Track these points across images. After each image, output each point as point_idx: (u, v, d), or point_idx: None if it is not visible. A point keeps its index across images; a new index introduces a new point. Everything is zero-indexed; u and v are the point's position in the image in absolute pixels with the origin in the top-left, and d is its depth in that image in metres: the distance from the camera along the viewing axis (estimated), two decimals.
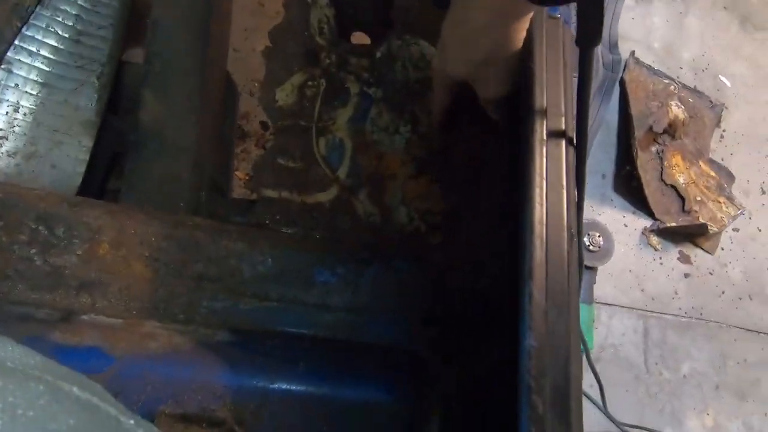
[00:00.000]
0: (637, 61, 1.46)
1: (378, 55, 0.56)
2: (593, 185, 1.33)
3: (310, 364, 0.36)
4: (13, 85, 0.48)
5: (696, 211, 1.35)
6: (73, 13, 0.52)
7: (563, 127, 0.37)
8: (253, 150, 1.12)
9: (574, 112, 0.39)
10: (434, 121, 0.51)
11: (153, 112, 0.51)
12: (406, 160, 0.52)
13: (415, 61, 0.56)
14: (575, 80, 0.38)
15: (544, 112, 0.36)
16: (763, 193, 1.43)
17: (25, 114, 0.48)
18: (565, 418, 0.25)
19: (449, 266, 0.45)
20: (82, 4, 0.53)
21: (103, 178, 0.55)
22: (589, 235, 1.12)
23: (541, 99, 0.36)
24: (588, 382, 1.15)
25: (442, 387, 0.40)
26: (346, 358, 0.38)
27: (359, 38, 0.60)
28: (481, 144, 0.47)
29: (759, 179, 1.45)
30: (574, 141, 0.36)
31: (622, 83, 1.43)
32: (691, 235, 1.30)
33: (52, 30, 0.51)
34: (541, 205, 0.30)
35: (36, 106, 0.49)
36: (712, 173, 1.40)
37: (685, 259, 1.30)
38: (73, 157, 0.49)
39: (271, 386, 0.35)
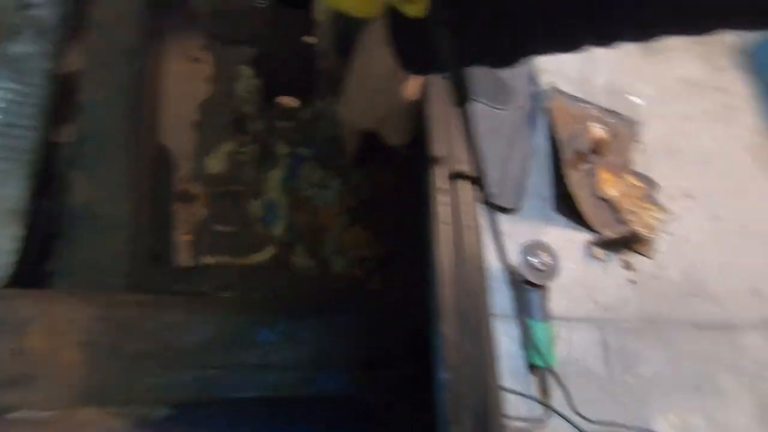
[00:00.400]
0: (557, 90, 1.60)
1: (304, 116, 0.60)
2: (535, 208, 1.40)
3: (256, 426, 0.37)
4: None
5: (630, 220, 1.45)
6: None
7: (465, 169, 0.41)
8: (190, 218, 1.13)
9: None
10: (348, 159, 0.54)
11: (83, 193, 0.52)
12: (340, 211, 0.55)
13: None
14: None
15: (442, 160, 0.40)
16: (687, 196, 1.56)
17: None
18: None
19: (389, 311, 0.47)
20: (8, 97, 0.54)
21: (37, 262, 0.54)
22: (535, 254, 1.18)
23: (440, 148, 0.40)
24: (557, 401, 1.17)
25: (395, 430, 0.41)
26: (292, 414, 0.39)
27: (285, 102, 0.64)
28: (397, 186, 0.51)
29: (680, 185, 1.58)
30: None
31: (546, 111, 1.56)
32: (629, 242, 1.40)
33: None
34: (447, 244, 0.34)
35: None
36: (639, 183, 1.52)
37: (628, 266, 1.38)
38: (3, 249, 0.48)
39: None
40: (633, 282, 1.36)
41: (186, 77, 1.26)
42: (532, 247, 1.16)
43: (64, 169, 0.54)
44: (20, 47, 0.57)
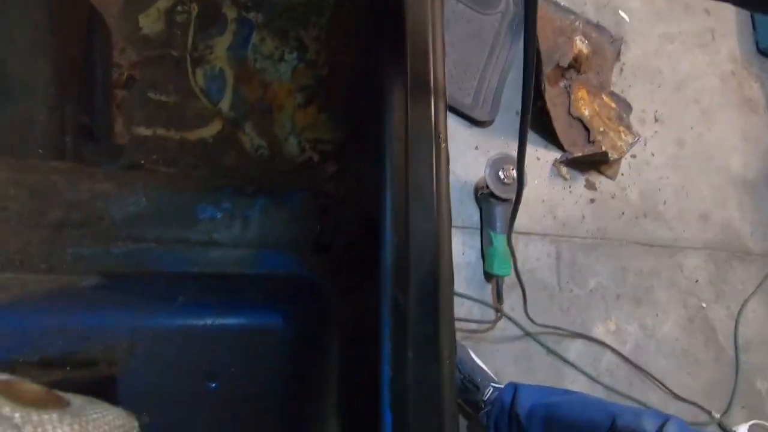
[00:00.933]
0: None
1: None
2: (508, 122, 1.37)
3: (191, 299, 0.35)
4: None
5: (599, 141, 1.45)
6: None
7: (429, 40, 0.36)
8: (133, 76, 1.02)
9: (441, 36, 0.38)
10: None
11: None
12: (293, 89, 0.49)
13: None
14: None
15: (404, 25, 0.35)
16: (656, 121, 1.56)
17: None
18: (432, 312, 0.26)
19: (341, 196, 0.44)
20: None
21: None
22: (503, 169, 1.17)
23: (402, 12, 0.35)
24: (509, 305, 1.24)
25: (339, 315, 0.41)
26: (233, 289, 0.37)
27: None
28: (356, 67, 0.45)
29: (652, 108, 1.58)
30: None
31: None
32: (595, 163, 1.41)
33: None
34: (402, 108, 0.30)
35: None
36: (613, 105, 1.50)
37: (590, 186, 1.41)
38: None
39: (143, 322, 0.33)
40: (592, 201, 1.40)
41: None
42: (500, 161, 1.15)
43: None
44: None
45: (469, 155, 1.28)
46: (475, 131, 1.29)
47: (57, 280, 0.33)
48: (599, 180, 1.40)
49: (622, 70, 1.54)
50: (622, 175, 1.43)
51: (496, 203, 1.17)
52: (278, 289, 0.39)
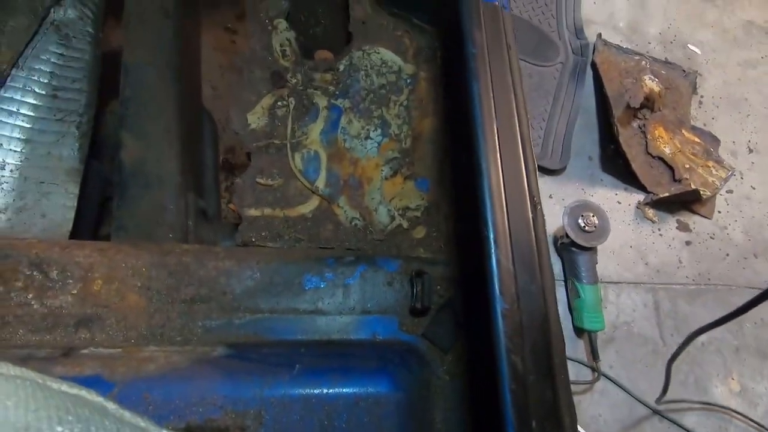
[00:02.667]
0: (605, 43, 1.49)
1: (341, 68, 0.58)
2: (581, 168, 1.34)
3: (307, 366, 0.37)
4: None
5: (687, 179, 1.36)
6: (47, 70, 0.55)
7: (512, 102, 0.38)
8: (239, 183, 1.14)
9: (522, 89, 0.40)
10: None
11: (133, 152, 0.53)
12: (380, 162, 0.53)
13: (378, 67, 0.58)
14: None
15: (490, 89, 0.38)
16: (751, 151, 1.43)
17: (11, 170, 0.50)
18: (548, 376, 0.26)
19: (432, 260, 0.46)
20: (55, 61, 0.56)
21: (94, 225, 0.57)
22: (583, 216, 1.13)
23: (486, 78, 0.38)
24: (607, 363, 1.14)
25: (443, 373, 0.41)
26: (343, 356, 0.39)
27: (322, 55, 0.63)
28: (438, 135, 0.49)
29: (744, 138, 1.46)
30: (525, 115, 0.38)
31: (594, 66, 1.46)
32: (685, 202, 1.31)
33: (29, 89, 0.54)
34: (497, 174, 0.32)
35: (21, 161, 0.51)
36: (697, 139, 1.41)
37: (683, 227, 1.30)
38: (62, 204, 0.51)
39: (269, 391, 0.35)
40: (688, 243, 1.28)
41: (221, 47, 1.27)
42: (579, 208, 1.11)
43: (114, 131, 0.56)
44: (64, 13, 0.58)
45: (544, 205, 1.26)
46: (547, 180, 1.27)
47: (192, 351, 0.37)
48: (693, 220, 1.29)
49: (701, 103, 1.46)
50: (719, 212, 1.31)
51: (578, 252, 1.12)
52: (381, 354, 0.41)
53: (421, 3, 0.57)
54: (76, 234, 0.52)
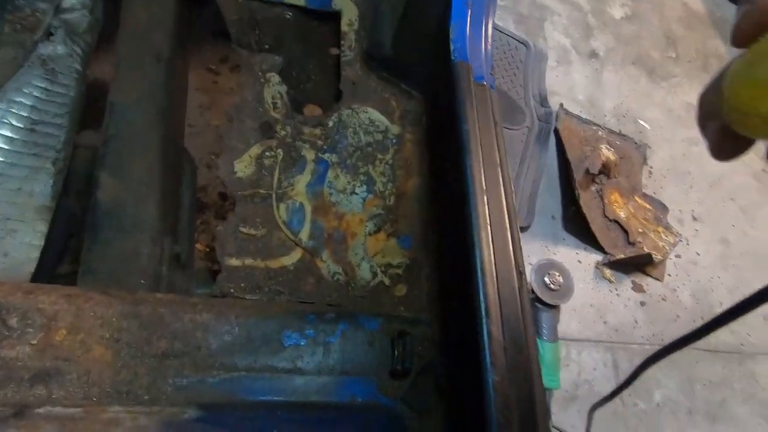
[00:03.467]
0: (567, 112, 1.62)
1: (330, 123, 0.60)
2: (545, 226, 1.40)
3: (284, 431, 0.36)
4: None
5: (640, 242, 1.45)
6: (28, 104, 0.54)
7: (500, 176, 0.41)
8: (212, 221, 1.12)
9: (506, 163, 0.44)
10: None
11: (110, 193, 0.52)
12: (364, 218, 0.54)
13: (365, 126, 0.61)
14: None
15: (481, 164, 0.41)
16: (695, 219, 1.56)
17: None
18: None
19: (414, 319, 0.46)
20: (38, 95, 0.55)
21: (54, 263, 0.54)
22: (549, 274, 1.17)
23: (477, 153, 0.40)
24: (569, 422, 1.15)
25: None
26: (320, 421, 0.38)
27: (311, 109, 0.65)
28: (421, 194, 0.50)
29: (688, 208, 1.59)
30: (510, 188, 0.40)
31: (557, 132, 1.57)
32: (639, 264, 1.39)
33: (6, 121, 0.52)
34: (488, 247, 0.33)
35: None
36: (648, 206, 1.53)
37: (638, 288, 1.37)
38: (27, 243, 0.48)
39: None
40: (643, 304, 1.35)
41: (203, 87, 1.28)
42: (546, 267, 1.15)
43: (90, 169, 0.54)
44: (53, 48, 0.58)
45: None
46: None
47: (161, 413, 0.35)
48: (646, 282, 1.37)
49: (651, 173, 1.59)
50: (669, 275, 1.40)
51: (542, 310, 1.15)
52: (359, 418, 0.40)
53: (410, 72, 0.61)
54: (36, 273, 0.48)
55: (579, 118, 1.62)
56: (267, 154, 0.57)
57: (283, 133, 0.58)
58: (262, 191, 0.54)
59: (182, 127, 0.70)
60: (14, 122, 0.52)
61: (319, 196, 0.55)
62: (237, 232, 0.52)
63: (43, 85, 0.55)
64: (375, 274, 0.51)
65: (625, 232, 1.44)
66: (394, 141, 0.60)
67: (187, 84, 0.75)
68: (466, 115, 0.41)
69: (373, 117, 0.61)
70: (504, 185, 0.40)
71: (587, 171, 1.46)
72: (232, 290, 0.48)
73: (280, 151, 0.57)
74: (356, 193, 0.56)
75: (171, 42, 0.65)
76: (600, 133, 1.59)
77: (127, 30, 0.64)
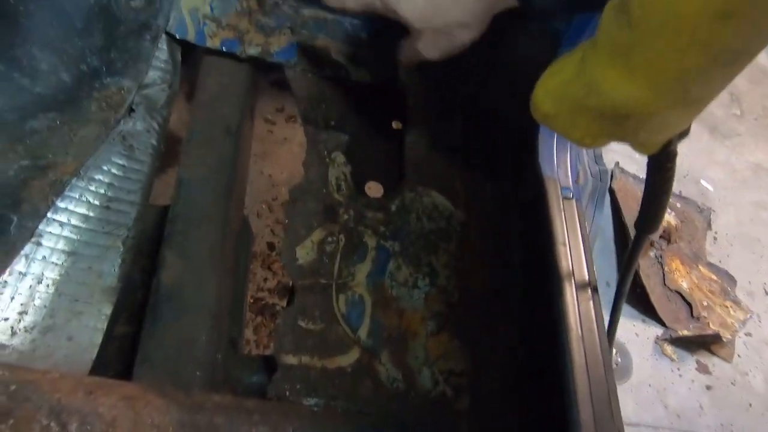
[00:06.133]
0: (623, 171, 1.55)
1: (393, 208, 0.59)
2: (599, 294, 1.32)
3: None
4: (40, 257, 0.49)
5: (705, 317, 1.33)
6: (106, 181, 0.55)
7: (589, 293, 0.38)
8: (258, 272, 1.11)
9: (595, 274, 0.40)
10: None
11: (173, 273, 0.52)
12: (426, 316, 0.52)
13: (429, 212, 0.59)
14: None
15: (571, 277, 0.38)
16: (767, 294, 1.43)
17: (47, 285, 0.48)
18: None
19: None
20: (115, 172, 0.56)
21: (123, 343, 0.53)
22: None
23: (568, 267, 0.38)
24: None
25: None
26: None
27: (374, 189, 0.64)
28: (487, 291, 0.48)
29: (760, 280, 1.46)
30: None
31: (612, 192, 1.50)
32: (705, 343, 1.28)
33: (84, 199, 0.53)
34: (582, 367, 0.30)
35: (60, 276, 0.49)
36: (714, 276, 1.42)
37: (703, 369, 1.26)
38: (92, 326, 0.48)
39: None
40: (709, 387, 1.23)
41: (260, 137, 1.31)
42: None
43: (158, 246, 0.54)
44: (132, 124, 0.60)
45: None
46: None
47: None
48: (712, 362, 1.25)
49: (716, 239, 1.48)
50: (739, 356, 1.27)
51: None
52: None
53: (480, 160, 0.59)
54: (100, 355, 0.48)
55: (636, 177, 1.55)
56: (329, 239, 0.55)
57: (345, 217, 0.57)
58: (322, 281, 0.53)
59: (244, 195, 0.71)
60: (91, 200, 0.54)
61: (380, 289, 0.53)
62: (295, 326, 0.50)
63: (121, 162, 0.57)
64: (436, 383, 0.48)
65: (689, 304, 1.33)
66: (458, 229, 0.57)
67: (250, 150, 0.76)
68: (555, 230, 0.38)
69: (437, 201, 0.59)
70: (593, 301, 0.37)
71: None
72: (287, 392, 0.46)
73: (342, 236, 0.56)
74: (418, 287, 0.53)
75: (240, 114, 0.66)
76: None
77: (198, 103, 0.66)
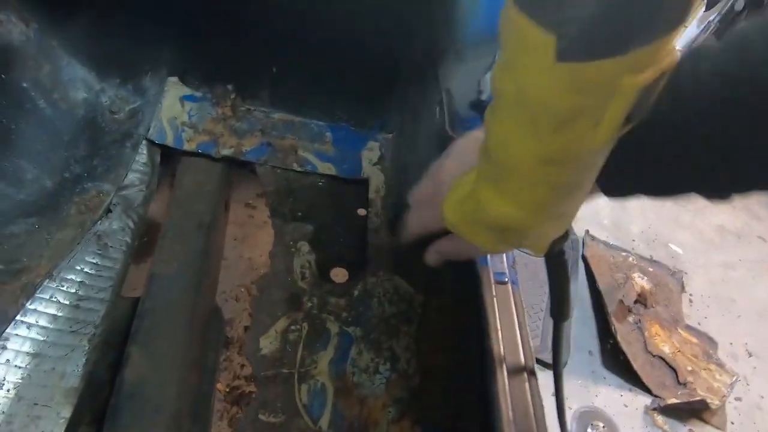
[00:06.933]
0: (593, 238, 1.61)
1: (355, 293, 0.61)
2: (582, 363, 1.31)
3: None
4: (3, 361, 0.50)
5: (691, 382, 1.32)
6: (78, 280, 0.58)
7: (525, 376, 0.40)
8: (235, 358, 1.10)
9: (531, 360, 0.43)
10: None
11: (137, 371, 0.52)
12: (387, 402, 0.52)
13: (390, 295, 0.61)
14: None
15: (503, 362, 0.40)
16: (750, 355, 1.43)
17: (8, 390, 0.49)
18: None
19: None
20: (88, 270, 0.59)
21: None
22: (592, 425, 1.06)
23: (499, 351, 0.40)
24: None
25: None
26: None
27: (337, 273, 0.67)
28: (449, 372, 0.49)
29: (740, 341, 1.47)
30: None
31: (585, 259, 1.54)
32: (695, 410, 1.25)
33: (54, 299, 0.55)
34: None
35: (21, 379, 0.50)
36: (694, 339, 1.42)
37: None
38: (49, 431, 0.48)
39: None
40: None
41: (240, 222, 1.35)
42: (589, 416, 1.05)
43: (123, 343, 0.55)
44: (108, 224, 0.64)
45: (546, 402, 1.20)
46: (549, 376, 1.23)
47: None
48: (705, 430, 1.22)
49: (691, 301, 1.51)
50: (732, 423, 1.24)
51: None
52: None
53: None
54: None
55: (606, 243, 1.61)
56: (292, 327, 0.57)
57: (309, 304, 0.60)
58: (284, 370, 0.54)
59: (216, 285, 0.73)
60: (62, 299, 0.56)
61: (341, 376, 0.54)
62: (257, 421, 0.50)
63: (94, 261, 0.60)
64: None
65: (673, 369, 1.32)
66: (418, 311, 0.60)
67: (224, 241, 0.80)
68: (488, 319, 0.41)
69: (398, 284, 0.62)
70: (531, 395, 0.38)
71: (621, 301, 1.40)
72: None
73: (305, 324, 0.58)
74: (380, 372, 0.54)
75: (213, 208, 0.71)
76: (630, 259, 1.56)
77: (174, 200, 0.71)
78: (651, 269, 1.56)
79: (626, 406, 1.25)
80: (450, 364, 0.53)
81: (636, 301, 1.45)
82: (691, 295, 1.56)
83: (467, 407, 0.49)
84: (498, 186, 0.34)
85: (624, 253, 1.61)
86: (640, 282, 1.50)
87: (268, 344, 0.55)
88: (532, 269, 1.51)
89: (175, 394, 0.52)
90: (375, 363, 0.55)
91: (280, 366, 0.54)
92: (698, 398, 1.20)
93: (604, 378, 1.31)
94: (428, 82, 0.66)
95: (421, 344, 0.57)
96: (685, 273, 1.62)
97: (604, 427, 1.02)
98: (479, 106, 0.51)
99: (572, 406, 1.07)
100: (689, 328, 1.43)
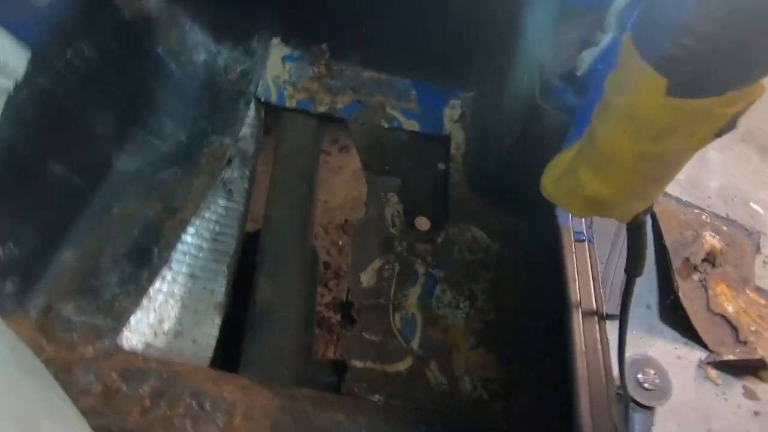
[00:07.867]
0: (665, 194, 1.56)
1: (439, 241, 0.70)
2: (639, 316, 1.35)
3: None
4: (170, 278, 0.65)
5: (752, 342, 1.33)
6: (214, 219, 0.71)
7: (596, 320, 0.48)
8: (325, 293, 1.25)
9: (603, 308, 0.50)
10: None
11: (265, 295, 0.66)
12: (467, 332, 0.62)
13: (469, 244, 0.70)
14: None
15: (579, 307, 0.48)
16: None
17: (176, 300, 0.64)
18: None
19: None
20: (220, 212, 0.72)
21: (229, 347, 0.68)
22: (643, 372, 1.13)
23: (576, 298, 0.48)
24: None
25: None
26: None
27: (422, 223, 0.76)
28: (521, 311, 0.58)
29: None
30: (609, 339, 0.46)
31: (653, 215, 1.52)
32: (751, 368, 1.27)
33: (200, 234, 0.69)
34: (584, 377, 0.40)
35: (184, 293, 0.65)
36: (762, 301, 1.40)
37: (750, 395, 1.25)
38: (208, 333, 0.63)
39: None
40: (757, 413, 1.22)
41: (334, 166, 1.46)
42: (640, 363, 1.11)
43: (252, 273, 0.69)
44: (230, 173, 0.76)
45: None
46: (611, 323, 1.29)
47: None
48: (761, 388, 1.24)
49: (765, 263, 1.46)
50: None
51: (635, 409, 1.11)
52: None
53: (513, 203, 0.70)
54: (214, 356, 0.63)
55: (678, 200, 1.56)
56: (386, 267, 0.68)
57: (399, 248, 0.70)
58: (381, 301, 0.65)
59: (314, 227, 0.85)
60: (204, 234, 0.70)
61: (428, 308, 0.64)
62: (361, 337, 0.62)
63: (223, 204, 0.73)
64: (475, 388, 0.58)
65: (734, 328, 1.33)
66: (495, 259, 0.68)
67: (317, 188, 0.91)
68: (567, 271, 0.48)
69: (476, 236, 0.70)
70: (600, 335, 0.46)
71: (688, 260, 1.39)
72: (356, 389, 0.58)
73: (396, 264, 0.68)
74: (460, 308, 0.64)
75: (312, 162, 0.81)
76: (703, 217, 1.51)
77: (279, 154, 0.81)
78: (725, 228, 1.51)
79: (680, 358, 1.29)
80: (524, 305, 0.62)
81: (704, 260, 1.44)
82: (766, 257, 1.51)
83: (539, 340, 0.58)
84: (596, 169, 0.40)
85: (697, 211, 1.56)
86: (711, 240, 1.47)
87: (366, 279, 0.67)
88: (597, 223, 1.52)
89: (295, 313, 0.66)
90: (456, 300, 0.65)
91: (377, 297, 0.66)
92: (758, 357, 1.22)
93: (661, 331, 1.35)
94: (514, 47, 0.69)
95: (496, 287, 0.66)
96: (764, 234, 1.55)
97: (654, 374, 1.08)
98: (572, 80, 0.55)
99: (627, 354, 1.13)
100: (759, 290, 1.40)
